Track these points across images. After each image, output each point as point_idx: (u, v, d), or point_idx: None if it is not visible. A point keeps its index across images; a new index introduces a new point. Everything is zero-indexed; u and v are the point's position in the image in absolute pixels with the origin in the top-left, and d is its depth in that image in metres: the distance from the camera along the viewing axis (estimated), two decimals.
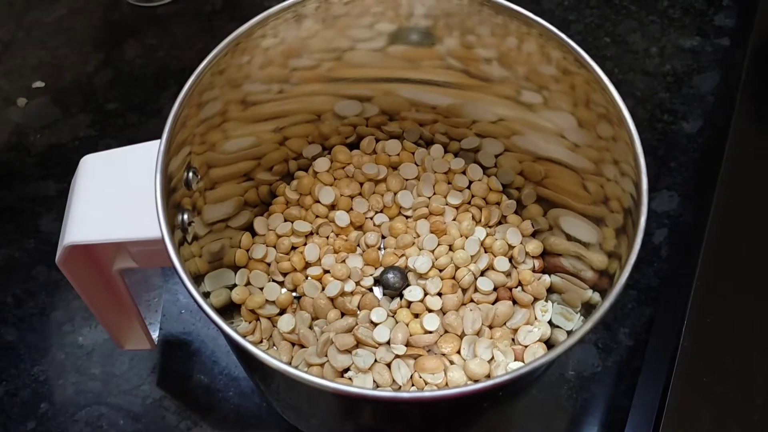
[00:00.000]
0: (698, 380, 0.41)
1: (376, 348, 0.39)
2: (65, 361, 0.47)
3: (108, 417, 0.45)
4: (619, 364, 0.47)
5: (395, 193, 0.45)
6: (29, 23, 0.60)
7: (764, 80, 0.54)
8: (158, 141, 0.32)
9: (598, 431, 0.45)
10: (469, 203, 0.45)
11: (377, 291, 0.43)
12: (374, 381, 0.38)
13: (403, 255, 0.43)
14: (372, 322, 0.40)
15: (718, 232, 0.47)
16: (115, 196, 0.33)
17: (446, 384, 0.37)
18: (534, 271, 0.43)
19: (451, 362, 0.39)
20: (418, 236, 0.43)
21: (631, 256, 0.30)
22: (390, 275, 0.41)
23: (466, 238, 0.43)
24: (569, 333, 0.38)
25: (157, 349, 0.46)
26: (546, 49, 0.37)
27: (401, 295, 0.42)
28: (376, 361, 0.38)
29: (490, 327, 0.41)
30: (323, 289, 0.41)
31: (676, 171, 0.54)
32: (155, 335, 0.44)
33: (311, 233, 0.44)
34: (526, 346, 0.40)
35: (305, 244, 0.43)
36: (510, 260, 0.43)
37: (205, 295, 0.36)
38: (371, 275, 0.42)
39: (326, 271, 0.42)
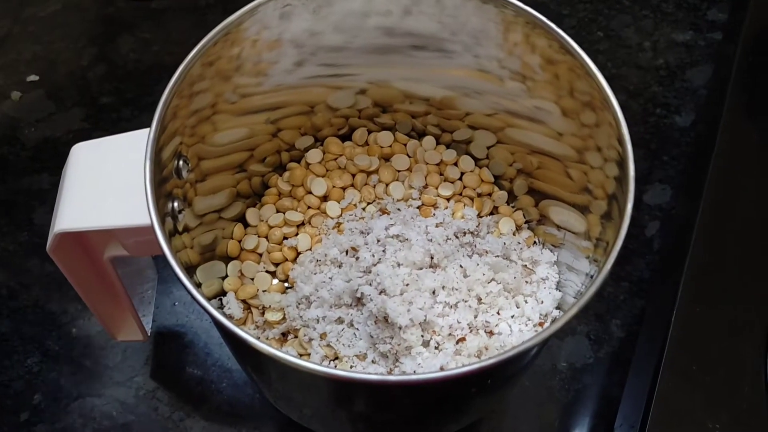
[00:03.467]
0: (687, 369, 0.41)
1: None
2: (59, 353, 0.47)
3: (101, 408, 0.45)
4: (611, 355, 0.47)
5: (387, 185, 0.45)
6: (25, 18, 0.60)
7: (755, 74, 0.54)
8: (148, 129, 0.32)
9: (590, 422, 0.45)
10: (460, 194, 0.45)
11: None
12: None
13: None
14: None
15: (708, 225, 0.47)
16: (105, 184, 0.34)
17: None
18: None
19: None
20: None
21: (618, 239, 0.30)
22: None
23: None
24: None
25: (150, 340, 0.47)
26: (532, 37, 0.37)
27: None
28: None
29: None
30: None
31: (669, 164, 0.54)
32: (148, 327, 0.44)
33: (303, 224, 0.44)
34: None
35: (297, 235, 0.44)
36: None
37: (197, 286, 0.36)
38: None
39: (318, 261, 0.42)
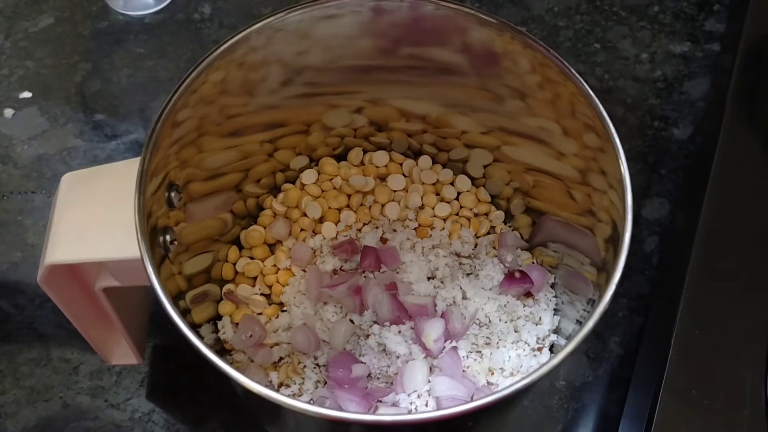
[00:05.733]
0: (687, 393, 0.41)
1: None
2: (53, 375, 0.47)
3: (96, 431, 0.45)
4: (610, 373, 0.47)
5: (383, 205, 0.44)
6: (16, 33, 0.60)
7: (754, 85, 0.53)
8: (138, 159, 0.31)
9: None
10: (457, 215, 0.45)
11: None
12: None
13: None
14: None
15: (706, 241, 0.46)
16: (95, 215, 0.33)
17: None
18: None
19: None
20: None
21: (616, 273, 0.30)
22: None
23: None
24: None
25: (146, 362, 0.46)
26: (531, 59, 0.36)
27: None
28: None
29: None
30: None
31: (667, 178, 0.54)
32: (143, 349, 0.44)
33: None
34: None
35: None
36: None
37: (185, 312, 0.36)
38: None
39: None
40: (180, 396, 0.46)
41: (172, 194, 0.34)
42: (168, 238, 0.34)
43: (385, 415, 0.29)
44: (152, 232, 0.32)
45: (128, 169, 0.32)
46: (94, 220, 0.33)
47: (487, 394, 0.27)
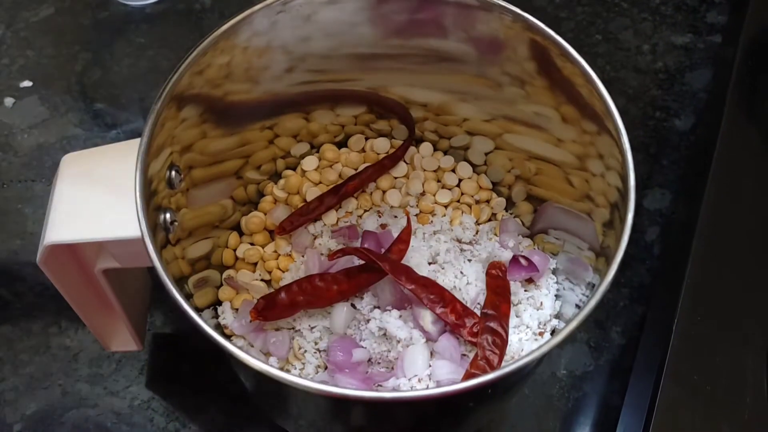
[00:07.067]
0: (688, 379, 0.41)
1: None
2: (52, 363, 0.46)
3: (95, 419, 0.45)
4: (611, 362, 0.47)
5: (384, 192, 0.44)
6: (17, 23, 0.60)
7: (755, 77, 0.53)
8: (139, 139, 0.31)
9: (590, 430, 0.45)
10: (458, 201, 0.45)
11: None
12: None
13: None
14: None
15: (708, 230, 0.46)
16: (96, 195, 0.33)
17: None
18: None
19: None
20: None
21: (619, 251, 0.30)
22: None
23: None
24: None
25: (146, 349, 0.46)
26: (531, 44, 0.36)
27: None
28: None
29: None
30: None
31: (668, 168, 0.54)
32: (143, 336, 0.44)
33: None
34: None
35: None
36: None
37: (188, 297, 0.35)
38: None
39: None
40: (180, 384, 0.46)
41: (173, 173, 0.34)
42: (168, 217, 0.34)
43: (385, 392, 0.29)
44: (153, 211, 0.32)
45: (129, 150, 0.32)
46: (95, 200, 0.33)
47: (489, 372, 0.27)
